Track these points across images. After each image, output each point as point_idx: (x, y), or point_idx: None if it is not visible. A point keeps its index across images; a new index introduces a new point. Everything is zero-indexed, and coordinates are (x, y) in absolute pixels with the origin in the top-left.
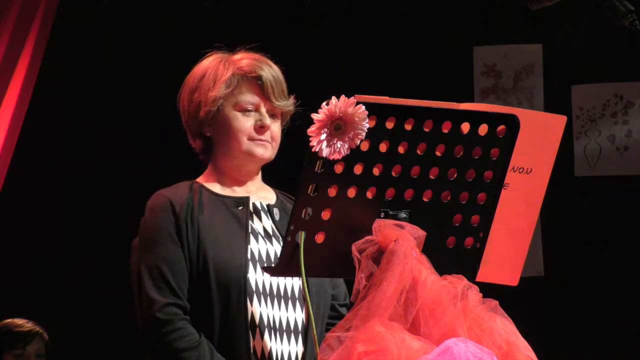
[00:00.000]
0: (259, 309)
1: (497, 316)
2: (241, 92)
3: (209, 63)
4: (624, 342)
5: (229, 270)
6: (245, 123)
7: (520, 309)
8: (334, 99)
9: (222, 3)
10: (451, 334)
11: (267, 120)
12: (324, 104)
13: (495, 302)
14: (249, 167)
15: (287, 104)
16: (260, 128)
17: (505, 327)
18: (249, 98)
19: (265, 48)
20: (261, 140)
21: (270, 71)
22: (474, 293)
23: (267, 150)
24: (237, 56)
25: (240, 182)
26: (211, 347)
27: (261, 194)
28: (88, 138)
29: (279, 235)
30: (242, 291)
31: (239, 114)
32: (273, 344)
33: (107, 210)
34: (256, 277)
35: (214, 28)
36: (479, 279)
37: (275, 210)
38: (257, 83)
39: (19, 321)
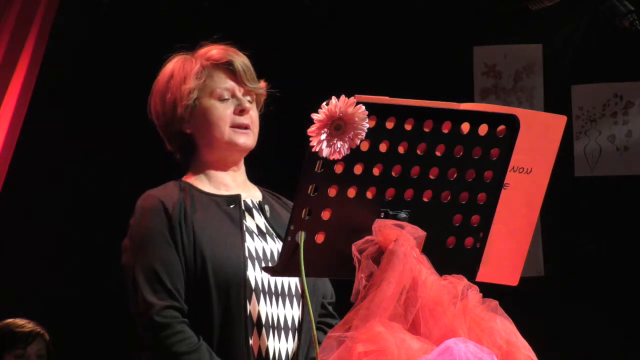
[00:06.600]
0: (257, 307)
1: (497, 316)
2: (214, 80)
3: (173, 64)
4: (624, 342)
5: (228, 268)
6: (224, 110)
7: (520, 309)
8: (334, 99)
9: (221, 3)
10: (451, 334)
11: (247, 103)
12: (324, 104)
13: (495, 302)
14: (234, 157)
15: (260, 87)
16: (241, 111)
17: (505, 327)
18: (224, 84)
19: (265, 47)
20: (242, 127)
21: (239, 57)
22: (474, 293)
23: (248, 138)
24: (203, 49)
25: (227, 175)
26: (210, 350)
27: (249, 191)
28: (88, 138)
29: (272, 232)
30: (241, 289)
31: (216, 103)
32: (271, 342)
33: (107, 210)
34: (255, 274)
35: (214, 28)
36: (479, 279)
37: (266, 207)
38: (228, 69)
39: (20, 321)
